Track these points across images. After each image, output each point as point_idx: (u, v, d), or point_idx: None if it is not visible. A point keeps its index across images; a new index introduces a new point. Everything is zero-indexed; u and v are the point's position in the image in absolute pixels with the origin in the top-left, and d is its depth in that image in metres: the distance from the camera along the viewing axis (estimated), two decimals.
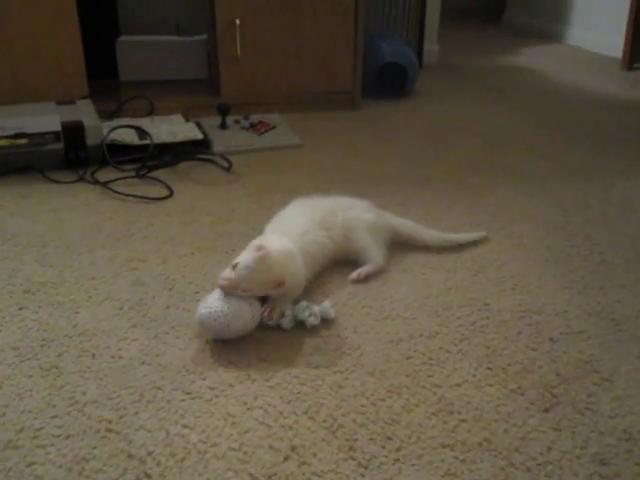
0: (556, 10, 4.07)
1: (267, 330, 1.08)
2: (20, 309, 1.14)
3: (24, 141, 1.70)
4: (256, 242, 1.06)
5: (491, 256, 1.35)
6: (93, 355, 1.02)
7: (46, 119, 1.73)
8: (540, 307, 1.18)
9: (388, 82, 2.50)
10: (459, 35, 4.10)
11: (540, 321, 1.14)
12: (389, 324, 1.11)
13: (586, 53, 3.70)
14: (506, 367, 1.01)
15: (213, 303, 1.03)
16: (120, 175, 1.71)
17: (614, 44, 3.54)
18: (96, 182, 1.68)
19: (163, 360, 1.01)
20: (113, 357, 1.02)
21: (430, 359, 1.03)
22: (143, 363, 1.00)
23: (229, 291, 1.04)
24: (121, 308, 1.14)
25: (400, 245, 1.38)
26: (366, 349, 1.05)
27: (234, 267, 1.05)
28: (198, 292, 1.19)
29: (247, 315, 1.04)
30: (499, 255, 1.36)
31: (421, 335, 1.09)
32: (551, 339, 1.09)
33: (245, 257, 1.05)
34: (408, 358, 1.03)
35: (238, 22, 2.13)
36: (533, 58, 3.52)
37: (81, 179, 1.70)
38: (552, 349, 1.06)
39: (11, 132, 1.69)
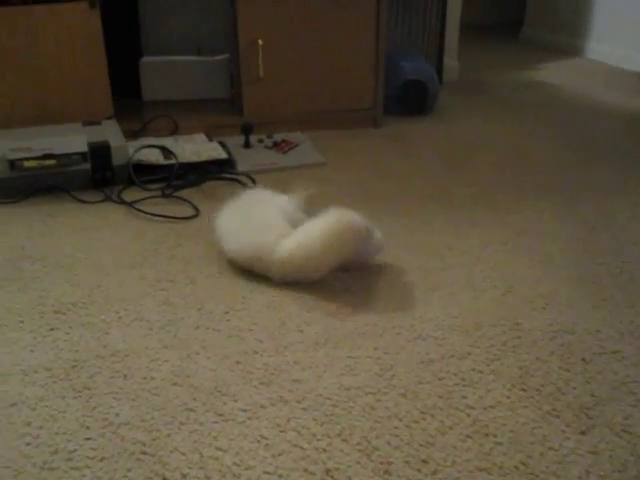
0: (575, 24, 4.07)
1: (298, 350, 1.08)
2: (51, 330, 1.15)
3: (52, 162, 1.72)
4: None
5: (520, 274, 1.34)
6: (125, 376, 1.02)
7: (73, 140, 1.76)
8: (572, 326, 1.17)
9: (409, 99, 2.50)
10: (478, 51, 4.10)
11: (572, 341, 1.12)
12: (420, 344, 1.11)
13: (607, 67, 3.69)
14: (540, 388, 1.00)
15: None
16: (146, 195, 1.73)
17: (635, 58, 3.53)
18: (122, 202, 1.69)
19: (195, 381, 1.01)
20: (145, 378, 1.02)
21: (463, 380, 1.02)
22: (175, 384, 1.01)
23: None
24: (151, 328, 1.15)
25: (427, 262, 1.37)
26: (398, 370, 1.04)
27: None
28: (227, 312, 1.20)
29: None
30: (528, 273, 1.35)
31: (452, 356, 1.08)
32: (584, 359, 1.08)
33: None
34: (440, 379, 1.02)
35: (261, 42, 2.15)
36: (553, 73, 3.51)
37: (108, 199, 1.71)
38: (586, 370, 1.05)
39: (39, 153, 1.71)
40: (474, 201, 1.72)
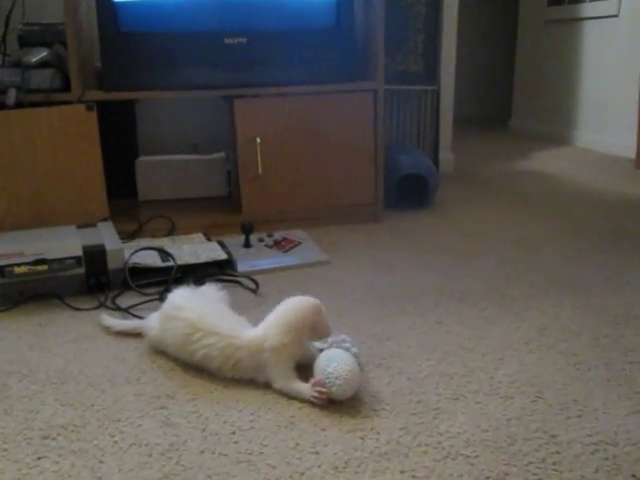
0: (562, 114, 4.15)
1: (315, 477, 0.97)
2: (39, 459, 1.03)
3: (44, 267, 1.64)
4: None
5: (548, 378, 1.25)
6: None
7: (67, 244, 1.69)
8: (613, 437, 1.06)
9: (409, 193, 2.48)
10: (469, 142, 4.16)
11: (616, 454, 1.02)
12: (450, 465, 1.00)
13: (596, 154, 3.73)
14: None
15: (339, 371, 1.13)
16: (143, 299, 1.64)
17: (623, 144, 3.58)
18: (118, 308, 1.60)
19: None
20: None
21: None
22: None
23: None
24: (150, 455, 1.03)
25: (446, 366, 1.28)
26: None
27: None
28: (234, 432, 1.08)
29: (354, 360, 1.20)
30: (556, 377, 1.25)
31: (488, 477, 0.97)
32: (634, 476, 0.97)
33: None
34: None
35: (259, 140, 2.13)
36: (546, 162, 3.53)
37: (102, 305, 1.62)
38: None
39: (31, 258, 1.64)
40: (487, 297, 1.64)
